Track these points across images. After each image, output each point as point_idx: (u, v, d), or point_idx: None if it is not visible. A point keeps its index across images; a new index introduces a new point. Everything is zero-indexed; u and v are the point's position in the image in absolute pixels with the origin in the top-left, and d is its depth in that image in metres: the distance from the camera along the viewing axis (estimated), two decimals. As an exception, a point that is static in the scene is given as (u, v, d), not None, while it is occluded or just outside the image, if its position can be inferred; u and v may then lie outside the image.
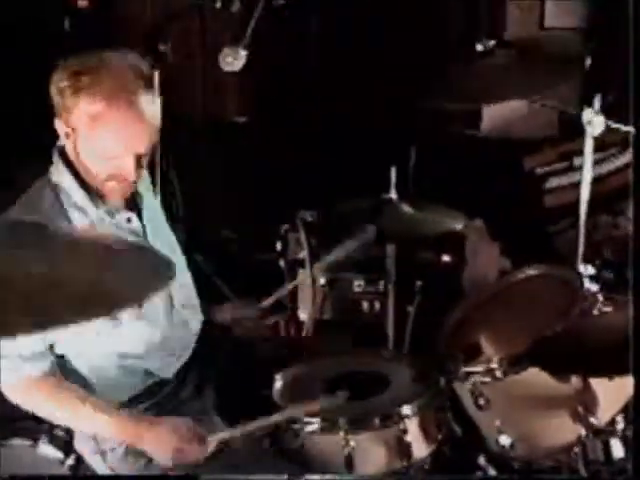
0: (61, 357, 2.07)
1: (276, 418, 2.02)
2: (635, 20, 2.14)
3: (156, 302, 2.09)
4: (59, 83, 1.94)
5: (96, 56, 1.96)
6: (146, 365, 2.13)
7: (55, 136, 2.03)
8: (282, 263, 3.05)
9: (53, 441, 2.24)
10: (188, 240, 3.15)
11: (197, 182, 3.39)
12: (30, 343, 1.95)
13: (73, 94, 1.92)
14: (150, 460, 2.03)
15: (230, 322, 2.41)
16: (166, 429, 1.99)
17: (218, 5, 2.46)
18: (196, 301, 2.29)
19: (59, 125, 1.98)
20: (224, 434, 2.02)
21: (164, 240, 2.20)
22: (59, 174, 2.02)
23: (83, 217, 2.01)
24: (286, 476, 1.90)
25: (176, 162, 3.03)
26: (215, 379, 2.28)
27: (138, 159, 1.97)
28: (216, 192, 3.60)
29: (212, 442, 1.99)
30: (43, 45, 3.18)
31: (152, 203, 2.23)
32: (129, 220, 2.09)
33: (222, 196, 3.64)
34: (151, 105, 1.98)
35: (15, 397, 2.03)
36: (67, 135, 1.98)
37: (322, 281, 3.01)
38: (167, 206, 2.72)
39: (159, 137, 2.04)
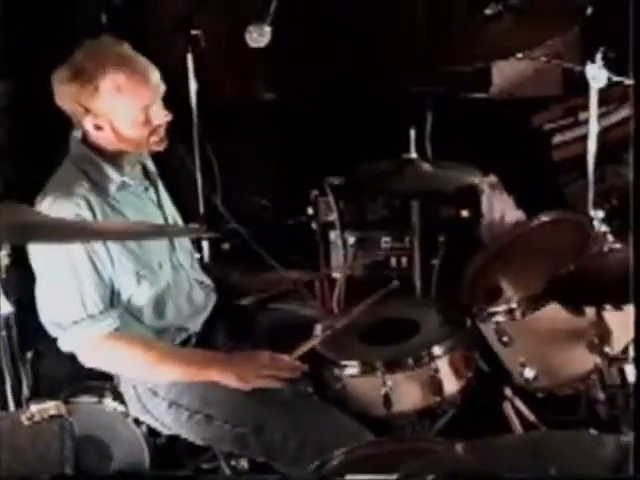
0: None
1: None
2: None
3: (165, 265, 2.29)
4: (74, 88, 2.13)
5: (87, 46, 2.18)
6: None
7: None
8: (314, 226, 3.23)
9: (117, 398, 2.42)
10: (226, 209, 3.33)
11: (231, 155, 3.52)
12: (96, 301, 2.13)
13: (93, 84, 2.12)
14: (193, 413, 2.20)
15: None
16: (241, 361, 2.20)
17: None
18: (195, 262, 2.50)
19: (88, 124, 2.18)
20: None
21: (171, 209, 2.43)
22: (84, 156, 2.21)
23: (112, 184, 2.21)
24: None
25: (212, 138, 3.19)
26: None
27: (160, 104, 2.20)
28: (250, 164, 3.73)
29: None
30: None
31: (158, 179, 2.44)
32: (146, 189, 2.33)
33: (256, 167, 3.77)
34: (147, 63, 2.19)
35: (94, 356, 2.19)
36: (97, 127, 2.18)
37: (352, 241, 3.19)
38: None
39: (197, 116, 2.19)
